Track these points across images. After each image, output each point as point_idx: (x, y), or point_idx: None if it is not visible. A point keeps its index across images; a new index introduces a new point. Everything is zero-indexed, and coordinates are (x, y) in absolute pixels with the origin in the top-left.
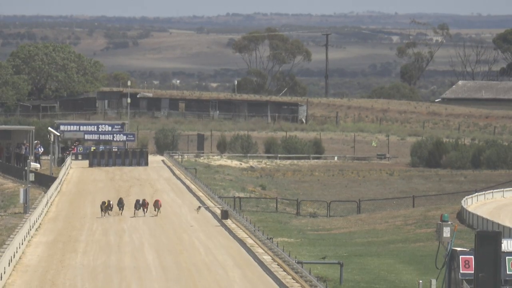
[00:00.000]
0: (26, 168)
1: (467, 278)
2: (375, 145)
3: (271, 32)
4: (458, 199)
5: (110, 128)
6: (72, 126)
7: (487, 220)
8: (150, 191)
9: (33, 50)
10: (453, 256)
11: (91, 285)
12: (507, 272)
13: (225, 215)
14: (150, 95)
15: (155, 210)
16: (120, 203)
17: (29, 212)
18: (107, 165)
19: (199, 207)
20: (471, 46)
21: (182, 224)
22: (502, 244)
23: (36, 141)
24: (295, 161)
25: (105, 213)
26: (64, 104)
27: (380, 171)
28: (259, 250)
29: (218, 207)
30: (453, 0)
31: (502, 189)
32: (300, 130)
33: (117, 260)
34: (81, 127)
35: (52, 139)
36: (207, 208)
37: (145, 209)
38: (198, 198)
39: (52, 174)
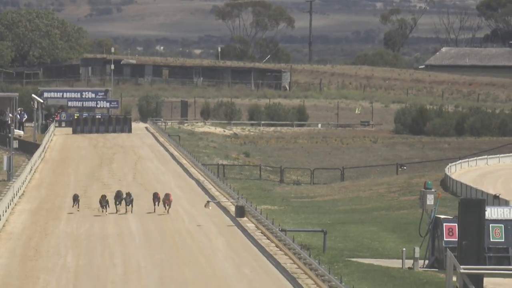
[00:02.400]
0: (9, 135)
1: (450, 245)
2: (358, 112)
3: None
4: (441, 166)
5: (93, 95)
6: (55, 93)
7: (471, 187)
8: (134, 158)
9: (16, 16)
10: (436, 224)
11: (75, 253)
12: (491, 240)
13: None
14: (134, 62)
15: (165, 207)
16: (118, 197)
17: (13, 180)
18: (90, 132)
19: (208, 201)
20: (454, 13)
21: (165, 191)
22: (486, 212)
23: (19, 108)
24: (279, 128)
25: (105, 210)
26: (47, 71)
27: (363, 138)
28: (242, 218)
29: (202, 175)
30: None
31: (485, 157)
32: (283, 97)
33: (100, 228)
34: (65, 94)
35: (35, 106)
36: (191, 176)
37: (158, 204)
38: (181, 165)
39: (36, 141)
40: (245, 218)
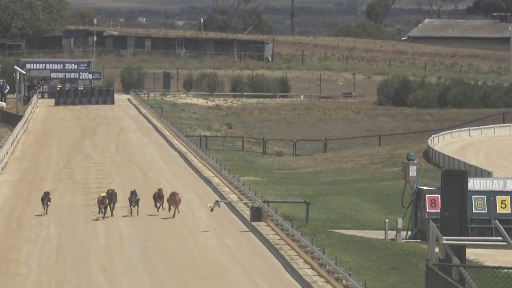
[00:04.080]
0: None
1: (433, 217)
2: (341, 83)
3: None
4: (424, 138)
5: (76, 67)
6: (38, 65)
7: (454, 159)
8: (116, 129)
9: None
10: (419, 195)
11: (57, 224)
12: (473, 211)
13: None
14: (116, 33)
15: (170, 208)
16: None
17: None
18: (73, 103)
19: (217, 202)
20: None
21: (148, 163)
22: (469, 183)
23: (1, 80)
24: (262, 100)
25: (104, 212)
26: (30, 42)
27: (346, 109)
28: (225, 189)
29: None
30: None
31: (468, 128)
32: (266, 68)
33: (83, 199)
34: (47, 65)
35: (18, 78)
36: (174, 147)
37: (161, 205)
38: (164, 136)
39: (18, 112)
40: (227, 189)
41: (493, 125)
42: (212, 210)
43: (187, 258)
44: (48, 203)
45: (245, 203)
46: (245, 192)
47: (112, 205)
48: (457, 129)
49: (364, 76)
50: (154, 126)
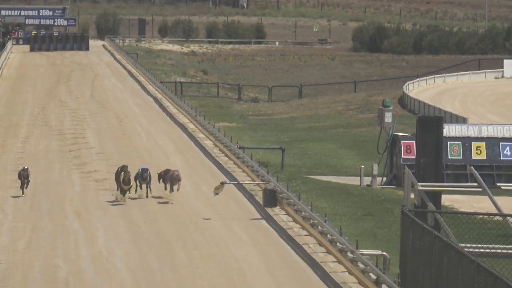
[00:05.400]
0: None
1: (408, 163)
2: (316, 30)
3: None
4: (399, 84)
5: (51, 13)
6: (13, 11)
7: (429, 105)
8: (91, 75)
9: None
10: (394, 141)
11: (33, 170)
12: (449, 157)
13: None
14: None
15: (170, 189)
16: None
17: None
18: (48, 50)
19: (222, 183)
20: None
21: (123, 109)
22: (444, 129)
23: None
24: (237, 46)
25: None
26: None
27: (321, 56)
28: (200, 135)
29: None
30: None
31: (443, 74)
32: (241, 14)
33: (58, 145)
34: (22, 11)
35: None
36: (149, 93)
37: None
38: (139, 83)
39: None
40: (203, 136)
41: (469, 72)
42: (217, 194)
43: (163, 205)
44: (28, 180)
45: (220, 150)
46: (221, 138)
47: (147, 184)
48: (433, 76)
49: (340, 22)
50: (129, 72)
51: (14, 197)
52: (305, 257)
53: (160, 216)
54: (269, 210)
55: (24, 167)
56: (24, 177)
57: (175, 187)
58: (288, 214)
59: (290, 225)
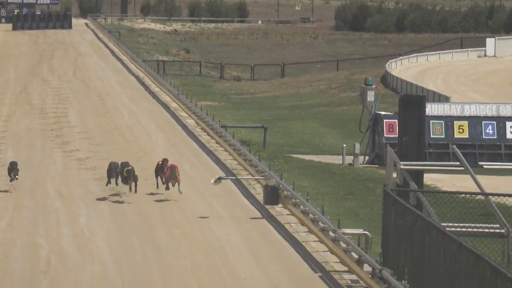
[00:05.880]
0: None
1: (391, 142)
2: (299, 8)
3: None
4: (382, 62)
5: None
6: None
7: (411, 84)
8: (74, 54)
9: None
10: (377, 120)
11: (15, 149)
12: (431, 136)
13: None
14: None
15: (167, 185)
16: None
17: None
18: (30, 28)
19: (218, 178)
20: None
21: (106, 88)
22: (426, 108)
23: None
24: (219, 25)
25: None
26: None
27: (304, 34)
28: (182, 114)
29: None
30: None
31: (426, 53)
32: None
33: (40, 124)
34: None
35: None
36: (131, 72)
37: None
38: (121, 61)
39: None
40: (185, 114)
41: (451, 50)
42: (214, 183)
43: (145, 183)
44: (17, 176)
45: (202, 128)
46: (203, 117)
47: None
48: (415, 54)
49: (322, 1)
50: (112, 51)
51: (1, 191)
52: (287, 237)
53: (142, 196)
54: (251, 189)
55: (12, 162)
56: (10, 170)
57: (170, 185)
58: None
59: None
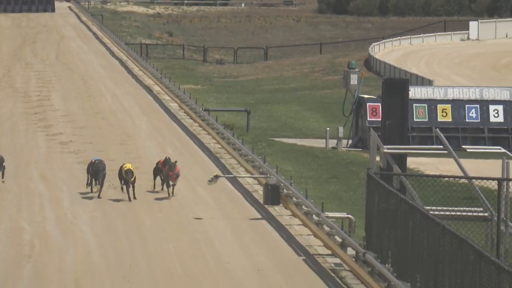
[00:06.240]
0: None
1: (374, 125)
2: None
3: None
4: (365, 46)
5: None
6: None
7: (394, 67)
8: (57, 37)
9: None
10: (360, 104)
11: None
12: (415, 120)
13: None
14: None
15: (168, 186)
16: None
17: None
18: (13, 11)
19: (216, 176)
20: None
21: (89, 71)
22: (409, 92)
23: None
24: (202, 8)
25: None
26: None
27: (287, 17)
28: (165, 97)
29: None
30: None
31: (409, 36)
32: None
33: (23, 108)
34: None
35: None
36: (114, 55)
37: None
38: (104, 45)
39: None
40: (168, 98)
41: (434, 34)
42: (209, 183)
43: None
44: (3, 171)
45: (185, 112)
46: (186, 100)
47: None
48: (398, 37)
49: None
50: (95, 34)
51: None
52: (271, 220)
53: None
54: (234, 172)
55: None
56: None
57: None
58: (253, 177)
59: (256, 188)
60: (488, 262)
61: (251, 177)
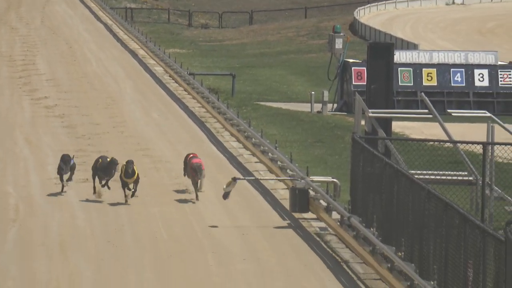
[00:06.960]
0: None
1: (359, 89)
2: None
3: None
4: (350, 10)
5: None
6: None
7: (380, 31)
8: (42, 1)
9: None
10: (345, 68)
11: None
12: (400, 84)
13: None
14: None
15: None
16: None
17: None
18: None
19: (234, 179)
20: None
21: (74, 36)
22: (395, 56)
23: None
24: None
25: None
26: None
27: None
28: (150, 62)
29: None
30: None
31: (394, 0)
32: None
33: (8, 72)
34: None
35: None
36: (99, 20)
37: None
38: (89, 9)
39: None
40: (153, 62)
41: None
42: (228, 192)
43: (113, 130)
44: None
45: (170, 76)
46: (171, 64)
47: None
48: (384, 2)
49: None
50: None
51: None
52: (256, 184)
53: (109, 142)
54: (219, 136)
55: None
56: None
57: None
58: (238, 140)
59: (241, 152)
60: (473, 226)
61: (275, 179)
